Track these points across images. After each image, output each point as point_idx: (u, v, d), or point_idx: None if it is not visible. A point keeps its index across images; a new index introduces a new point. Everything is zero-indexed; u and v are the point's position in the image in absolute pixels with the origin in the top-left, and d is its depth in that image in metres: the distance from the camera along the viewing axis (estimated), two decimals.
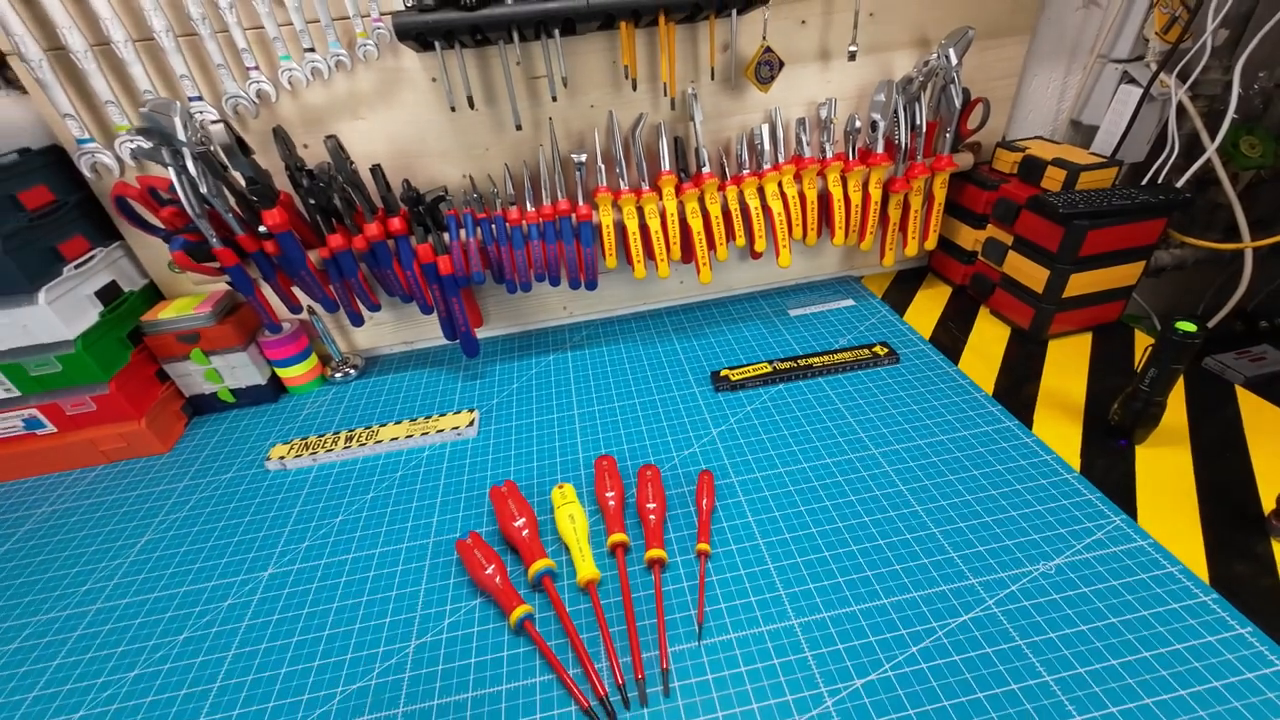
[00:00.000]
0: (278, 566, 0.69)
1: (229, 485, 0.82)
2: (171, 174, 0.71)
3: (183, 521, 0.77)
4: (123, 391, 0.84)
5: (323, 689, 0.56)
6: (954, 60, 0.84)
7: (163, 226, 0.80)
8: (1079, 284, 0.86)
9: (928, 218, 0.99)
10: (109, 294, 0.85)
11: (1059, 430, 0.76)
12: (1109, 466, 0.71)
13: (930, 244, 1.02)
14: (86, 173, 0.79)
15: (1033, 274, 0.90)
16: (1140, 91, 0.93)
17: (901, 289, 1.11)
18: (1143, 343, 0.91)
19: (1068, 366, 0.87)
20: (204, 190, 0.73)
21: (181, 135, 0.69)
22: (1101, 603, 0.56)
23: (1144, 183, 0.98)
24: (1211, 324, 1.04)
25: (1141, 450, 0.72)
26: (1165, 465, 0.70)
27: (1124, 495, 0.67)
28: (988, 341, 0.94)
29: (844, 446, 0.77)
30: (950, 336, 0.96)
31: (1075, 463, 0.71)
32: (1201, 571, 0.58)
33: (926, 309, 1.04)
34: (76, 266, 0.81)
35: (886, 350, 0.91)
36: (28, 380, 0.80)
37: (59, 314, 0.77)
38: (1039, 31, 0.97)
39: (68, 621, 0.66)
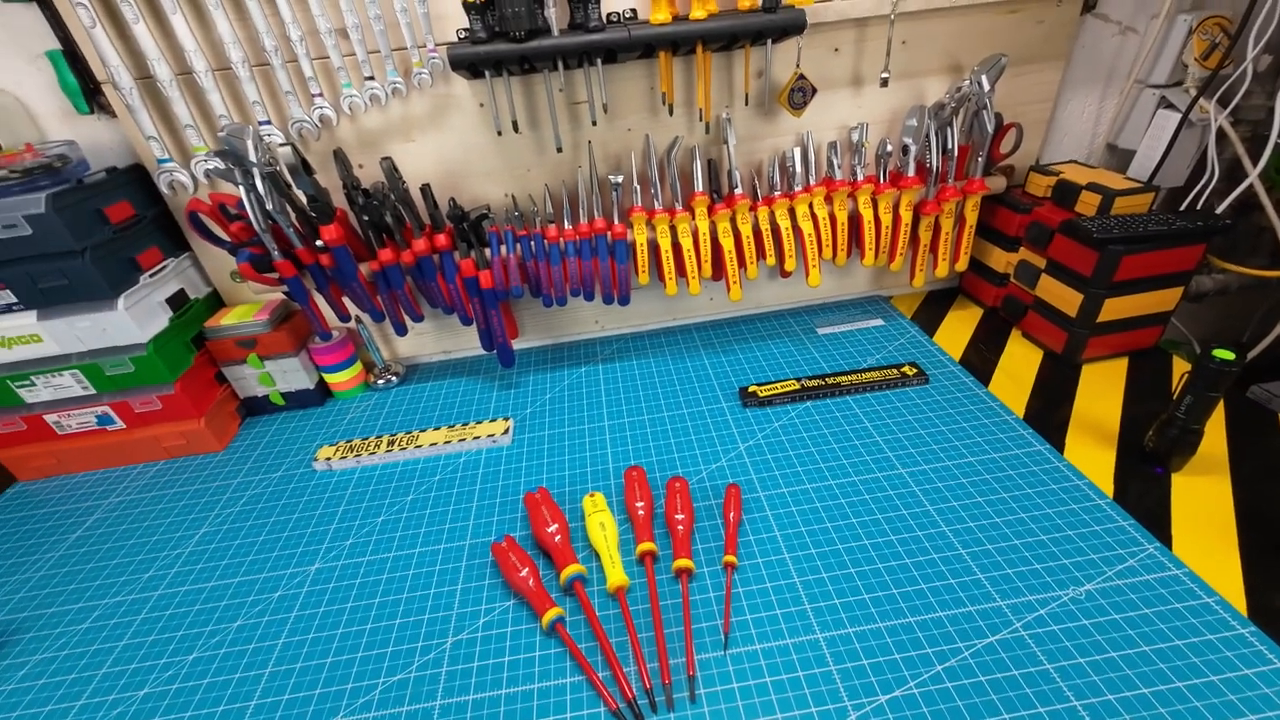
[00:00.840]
0: (324, 562, 0.73)
1: (279, 483, 0.87)
2: (241, 192, 0.77)
3: (237, 516, 0.82)
4: (186, 392, 0.90)
5: (365, 679, 0.59)
6: (986, 86, 0.85)
7: (230, 240, 0.86)
8: (1114, 309, 0.86)
9: (959, 240, 1.00)
10: (177, 301, 0.92)
11: (1092, 455, 0.76)
12: (1143, 493, 0.70)
13: (961, 266, 1.02)
14: (164, 190, 0.85)
15: (1066, 297, 0.89)
16: (1179, 117, 0.93)
17: (932, 309, 1.11)
18: (1181, 369, 0.89)
19: (1102, 391, 0.87)
20: (269, 207, 0.79)
21: (253, 156, 0.75)
22: (1133, 630, 0.56)
23: (1183, 208, 0.97)
24: (1254, 353, 1.02)
25: (1178, 478, 0.72)
26: (1202, 493, 0.69)
27: (1158, 523, 0.66)
28: (1019, 364, 0.94)
29: (871, 465, 0.78)
30: (981, 358, 0.96)
31: (1108, 488, 0.71)
32: (1239, 603, 0.57)
33: (957, 330, 1.04)
34: (151, 275, 0.87)
35: (915, 370, 0.92)
36: (103, 379, 0.87)
37: (135, 319, 0.83)
38: (1074, 57, 0.97)
39: (133, 605, 0.70)
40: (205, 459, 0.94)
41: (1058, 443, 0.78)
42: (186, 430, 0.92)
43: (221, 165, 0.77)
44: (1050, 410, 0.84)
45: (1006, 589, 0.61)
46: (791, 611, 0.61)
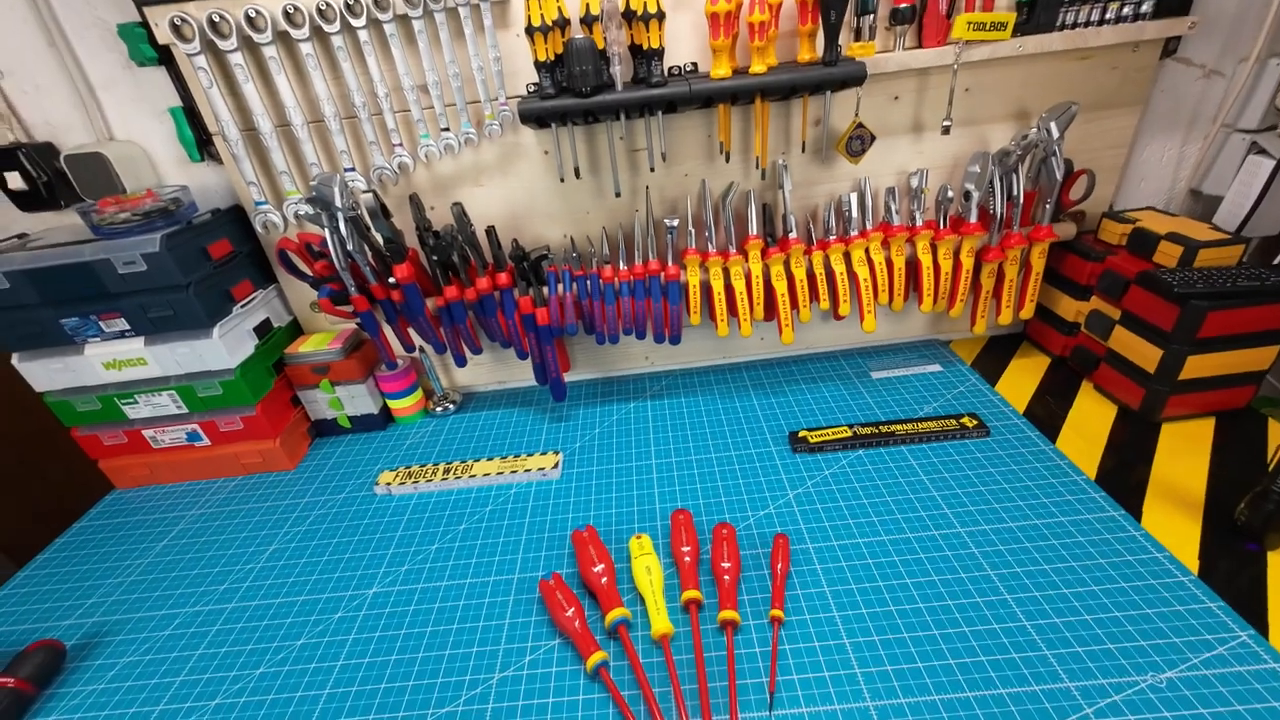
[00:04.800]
0: (381, 586, 0.77)
1: (343, 505, 0.91)
2: (326, 233, 0.84)
3: (303, 535, 0.87)
4: (265, 413, 0.97)
5: (415, 709, 0.61)
6: (1055, 134, 0.83)
7: (312, 275, 0.93)
8: (1198, 366, 0.81)
9: (1024, 287, 0.97)
10: (263, 329, 0.99)
11: (1173, 525, 0.71)
12: (1234, 572, 0.65)
13: (1026, 313, 0.98)
14: (259, 229, 0.93)
15: (1143, 352, 0.85)
16: (1272, 163, 0.87)
17: (994, 356, 1.07)
18: (1278, 434, 0.82)
19: (1185, 454, 0.81)
20: (350, 247, 0.85)
21: (338, 201, 0.81)
22: None
23: (1278, 261, 0.90)
24: None
25: (1275, 557, 0.66)
26: None
27: (1253, 607, 0.61)
28: (1090, 420, 0.89)
29: (927, 522, 0.75)
30: (1048, 411, 0.92)
31: (1192, 564, 0.66)
32: None
33: (1021, 380, 1.00)
34: (242, 306, 0.95)
35: (975, 422, 0.88)
36: (195, 400, 0.94)
37: (226, 346, 0.91)
38: (1152, 102, 0.94)
39: (210, 616, 0.76)
40: (278, 476, 1.00)
41: (1134, 509, 0.73)
42: (263, 449, 0.99)
43: (310, 209, 0.84)
44: (1125, 472, 0.79)
45: (1075, 669, 0.57)
46: (840, 675, 0.59)
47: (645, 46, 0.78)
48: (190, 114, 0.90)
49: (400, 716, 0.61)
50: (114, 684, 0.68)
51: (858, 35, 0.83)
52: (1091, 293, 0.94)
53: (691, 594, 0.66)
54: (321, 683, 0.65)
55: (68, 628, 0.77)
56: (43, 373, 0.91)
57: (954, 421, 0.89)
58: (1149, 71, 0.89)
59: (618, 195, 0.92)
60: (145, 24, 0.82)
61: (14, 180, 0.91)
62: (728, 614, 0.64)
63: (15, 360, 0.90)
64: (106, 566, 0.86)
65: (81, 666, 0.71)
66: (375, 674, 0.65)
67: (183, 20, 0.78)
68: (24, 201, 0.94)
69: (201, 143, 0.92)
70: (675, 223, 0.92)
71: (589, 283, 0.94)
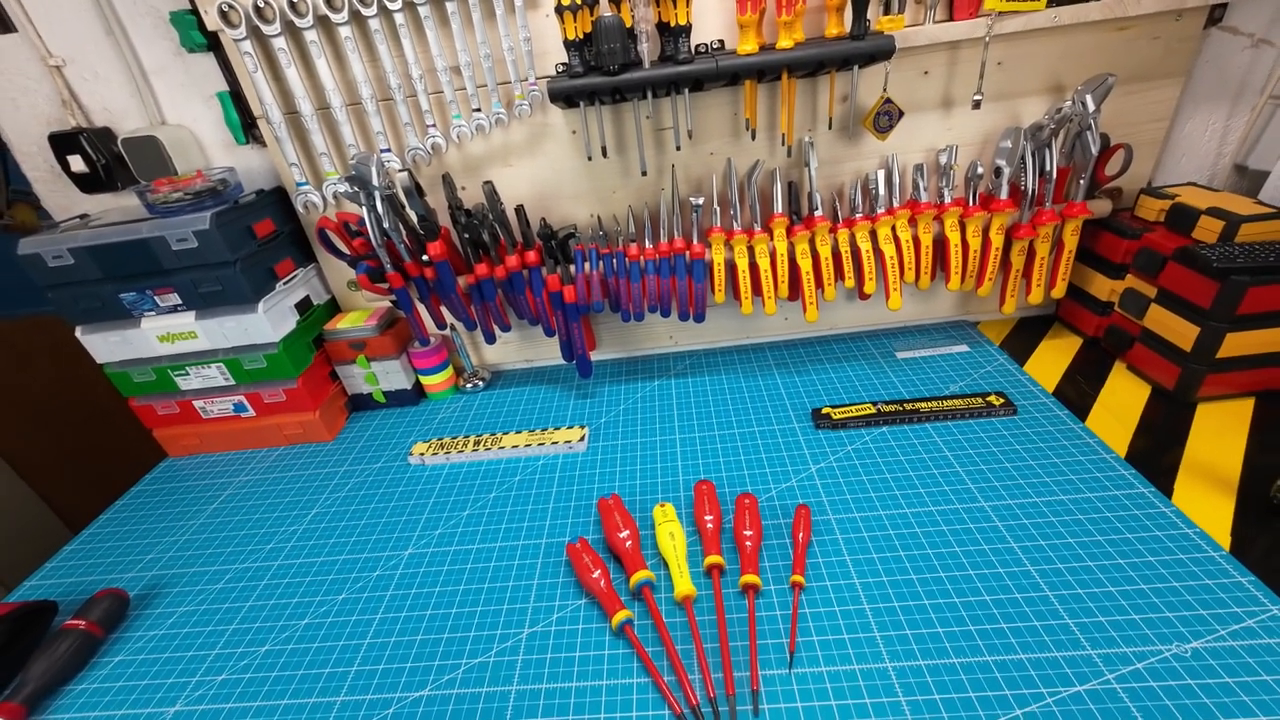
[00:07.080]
0: (416, 548, 0.80)
1: (379, 474, 0.96)
2: (363, 211, 0.87)
3: (343, 500, 0.91)
4: (305, 387, 1.02)
5: (450, 658, 0.65)
6: (1091, 107, 0.81)
7: (350, 253, 0.97)
8: (1237, 344, 0.79)
9: (1056, 265, 0.95)
10: (303, 306, 1.04)
11: (1206, 503, 0.70)
12: (1270, 549, 0.64)
13: (1058, 292, 0.97)
14: (299, 209, 0.98)
15: (1180, 330, 0.83)
16: None
17: (1023, 337, 1.06)
18: None
19: (1221, 433, 0.79)
20: (386, 225, 0.88)
21: (375, 181, 0.85)
22: (1249, 697, 0.51)
23: None
24: None
25: None
26: None
27: None
28: (1123, 399, 0.88)
29: (950, 496, 0.75)
30: (1078, 391, 0.90)
31: (1224, 540, 0.65)
32: None
33: (1051, 360, 0.99)
34: (285, 283, 1.00)
35: (1003, 400, 0.88)
36: (241, 372, 0.99)
37: (270, 321, 0.95)
38: (1196, 73, 0.91)
39: (258, 571, 0.80)
40: (318, 447, 1.05)
41: (1165, 487, 0.72)
42: (304, 421, 1.04)
43: (348, 188, 0.87)
44: (1158, 451, 0.78)
45: (1098, 637, 0.57)
46: (860, 638, 0.60)
47: (673, 23, 0.79)
48: (236, 98, 0.94)
49: (436, 665, 0.64)
50: (173, 630, 0.74)
51: (887, 9, 0.82)
52: (1126, 271, 0.92)
53: (714, 559, 0.68)
54: (362, 634, 0.69)
55: (130, 579, 0.82)
56: (103, 345, 0.97)
57: (980, 399, 0.89)
58: (1193, 41, 0.86)
59: (644, 174, 0.93)
60: (195, 11, 0.86)
61: (76, 163, 0.97)
62: (749, 578, 0.66)
63: (79, 332, 0.96)
64: (163, 526, 0.92)
65: (143, 614, 0.76)
66: (411, 627, 0.69)
67: (230, 6, 0.81)
68: (85, 183, 1.00)
69: (247, 126, 0.96)
70: (700, 201, 0.93)
71: (615, 261, 0.96)
